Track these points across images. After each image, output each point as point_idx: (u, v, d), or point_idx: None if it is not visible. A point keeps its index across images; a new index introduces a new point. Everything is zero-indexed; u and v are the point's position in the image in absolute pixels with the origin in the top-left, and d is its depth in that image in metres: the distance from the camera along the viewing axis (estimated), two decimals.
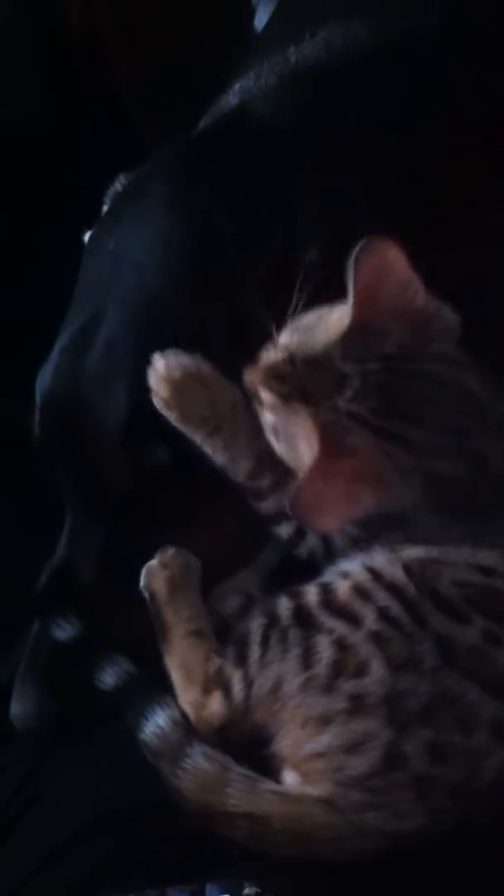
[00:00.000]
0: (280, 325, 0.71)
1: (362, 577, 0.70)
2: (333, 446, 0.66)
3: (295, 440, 0.70)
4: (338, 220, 0.76)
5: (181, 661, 0.72)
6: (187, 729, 0.70)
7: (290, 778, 0.68)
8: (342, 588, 0.70)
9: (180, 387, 0.73)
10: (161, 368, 0.73)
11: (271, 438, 0.72)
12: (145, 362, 0.74)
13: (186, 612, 0.74)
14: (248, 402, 0.73)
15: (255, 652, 0.70)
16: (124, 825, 0.71)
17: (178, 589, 0.75)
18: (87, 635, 0.77)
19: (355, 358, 0.67)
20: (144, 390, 0.75)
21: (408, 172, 0.80)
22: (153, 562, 0.75)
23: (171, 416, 0.73)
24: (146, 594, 0.75)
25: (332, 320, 0.70)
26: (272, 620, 0.70)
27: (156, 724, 0.71)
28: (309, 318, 0.71)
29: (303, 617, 0.69)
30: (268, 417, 0.71)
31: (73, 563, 0.80)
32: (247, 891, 0.64)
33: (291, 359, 0.69)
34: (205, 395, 0.73)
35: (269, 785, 0.67)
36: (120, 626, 0.77)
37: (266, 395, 0.70)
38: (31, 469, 0.82)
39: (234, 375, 0.74)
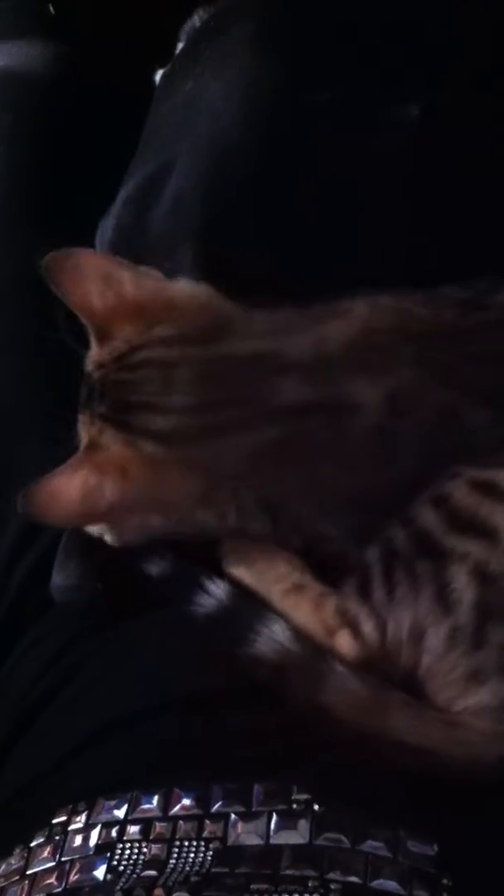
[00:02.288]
0: None
1: (476, 472, 0.62)
2: (89, 449, 0.64)
3: None
4: (440, 69, 0.68)
5: (294, 620, 0.67)
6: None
7: None
8: (458, 491, 0.62)
9: None
10: None
11: None
12: (216, 222, 0.68)
13: (272, 572, 0.69)
14: None
15: (378, 587, 0.65)
16: (164, 717, 0.68)
17: (254, 560, 0.69)
18: None
19: (99, 365, 0.65)
20: (213, 254, 0.69)
21: None
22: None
23: None
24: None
25: None
26: (389, 550, 0.65)
27: (271, 638, 0.66)
28: None
29: (424, 543, 0.63)
30: None
31: None
32: (295, 796, 0.60)
33: None
34: None
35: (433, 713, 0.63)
36: None
37: None
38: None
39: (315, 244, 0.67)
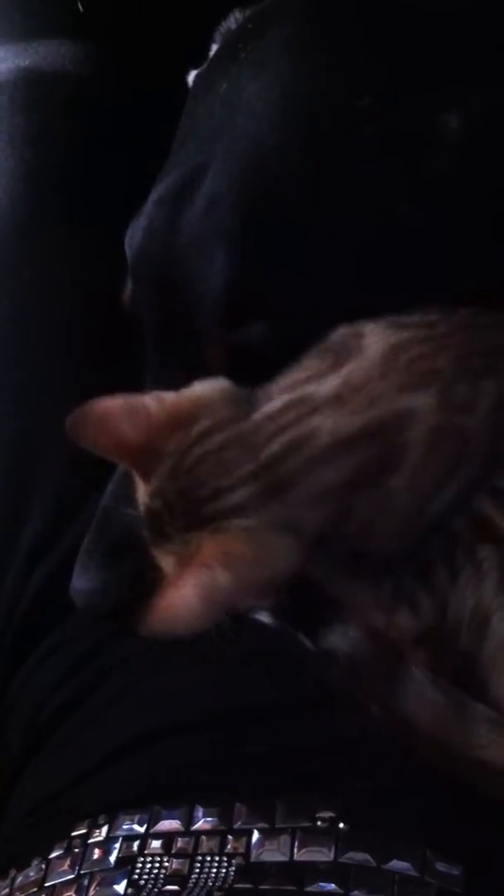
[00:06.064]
0: None
1: None
2: (182, 565, 0.61)
3: None
4: (487, 84, 0.66)
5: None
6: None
7: None
8: None
9: None
10: None
11: None
12: (251, 225, 0.67)
13: None
14: None
15: (441, 572, 0.64)
16: (189, 733, 0.67)
17: None
18: None
19: (154, 493, 0.63)
20: (247, 259, 0.67)
21: None
22: None
23: None
24: None
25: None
26: (451, 536, 0.64)
27: (343, 631, 0.65)
28: None
29: (488, 530, 0.64)
30: None
31: None
32: (319, 814, 0.59)
33: None
34: None
35: None
36: None
37: None
38: (117, 337, 0.75)
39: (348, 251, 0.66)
